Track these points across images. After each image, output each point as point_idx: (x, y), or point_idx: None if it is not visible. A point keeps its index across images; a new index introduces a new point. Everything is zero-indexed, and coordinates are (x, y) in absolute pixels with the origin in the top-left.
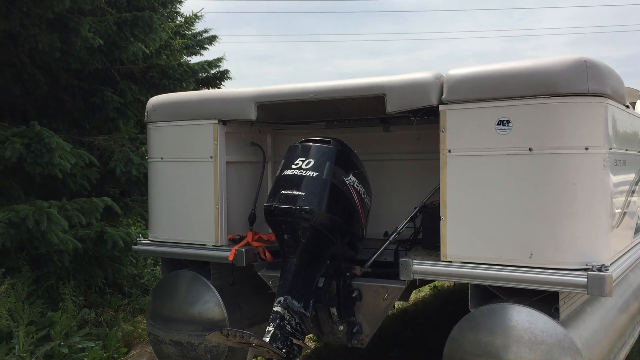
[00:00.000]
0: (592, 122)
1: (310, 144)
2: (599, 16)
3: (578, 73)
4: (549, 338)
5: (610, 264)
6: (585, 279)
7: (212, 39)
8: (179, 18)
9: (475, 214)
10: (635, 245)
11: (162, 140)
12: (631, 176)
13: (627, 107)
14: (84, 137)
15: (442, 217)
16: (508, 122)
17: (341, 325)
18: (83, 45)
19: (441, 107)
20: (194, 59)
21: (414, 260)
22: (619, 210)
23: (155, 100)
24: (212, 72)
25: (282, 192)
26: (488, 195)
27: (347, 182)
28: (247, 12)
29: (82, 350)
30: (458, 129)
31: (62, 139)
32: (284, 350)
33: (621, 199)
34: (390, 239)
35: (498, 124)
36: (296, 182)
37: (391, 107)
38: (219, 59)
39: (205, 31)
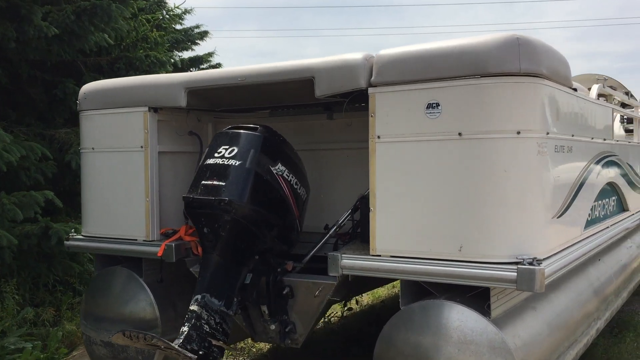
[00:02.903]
0: (525, 104)
1: (235, 131)
2: (603, 10)
3: (509, 51)
4: (479, 337)
5: (545, 258)
6: (515, 274)
7: (203, 34)
8: (164, 12)
9: (405, 204)
10: (591, 236)
11: (94, 129)
12: (581, 164)
13: (575, 90)
14: (46, 130)
15: (371, 207)
16: (437, 105)
17: (273, 324)
18: (36, 35)
19: (370, 90)
20: (185, 54)
21: (343, 255)
22: (562, 199)
23: (87, 87)
24: (204, 66)
25: (203, 182)
26: (418, 184)
27: (275, 171)
28: (249, 7)
29: (19, 351)
30: (387, 114)
31: (23, 132)
32: (200, 352)
33: (565, 188)
34: (331, 232)
35: (427, 108)
36: (218, 171)
37: (320, 91)
38: (210, 54)
39: (197, 26)
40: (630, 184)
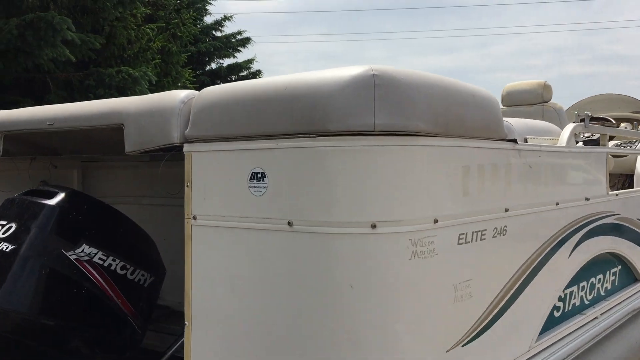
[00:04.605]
0: (385, 180)
1: (23, 197)
2: None
3: (357, 97)
4: None
5: None
6: None
7: (245, 41)
8: (179, 21)
9: (227, 320)
10: (554, 344)
11: None
12: (529, 247)
13: (513, 141)
14: None
15: (185, 321)
16: (263, 176)
17: None
18: None
19: (185, 148)
20: (227, 62)
21: None
22: (477, 315)
23: None
24: (243, 73)
25: None
26: (240, 294)
27: (73, 257)
28: (314, 11)
29: None
30: (205, 184)
31: None
32: None
33: (487, 294)
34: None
35: (251, 179)
36: None
37: (130, 145)
38: (250, 61)
39: (239, 33)
40: None
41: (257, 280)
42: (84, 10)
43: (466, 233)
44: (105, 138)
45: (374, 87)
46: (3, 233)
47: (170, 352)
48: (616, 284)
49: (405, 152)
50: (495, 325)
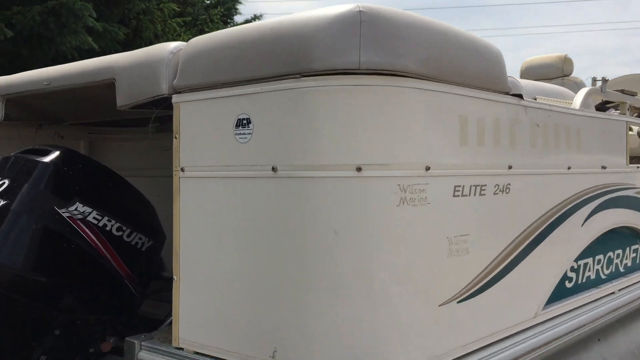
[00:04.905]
0: (371, 122)
1: (18, 155)
2: None
3: (342, 34)
4: None
5: None
6: None
7: None
8: (232, 20)
9: (214, 275)
10: (564, 314)
11: None
12: (536, 209)
13: (518, 96)
14: None
15: (174, 276)
16: (248, 122)
17: None
18: None
19: (174, 99)
20: None
21: (143, 344)
22: (478, 270)
23: None
24: None
25: None
26: (226, 244)
27: (66, 214)
28: None
29: None
30: (193, 135)
31: None
32: None
33: (490, 250)
34: None
35: (237, 126)
36: None
37: (121, 99)
38: None
39: None
40: None
41: (243, 230)
42: (109, 1)
43: (463, 185)
44: (102, 99)
45: (360, 23)
46: None
47: (170, 319)
48: (637, 261)
49: (393, 93)
50: (496, 285)
